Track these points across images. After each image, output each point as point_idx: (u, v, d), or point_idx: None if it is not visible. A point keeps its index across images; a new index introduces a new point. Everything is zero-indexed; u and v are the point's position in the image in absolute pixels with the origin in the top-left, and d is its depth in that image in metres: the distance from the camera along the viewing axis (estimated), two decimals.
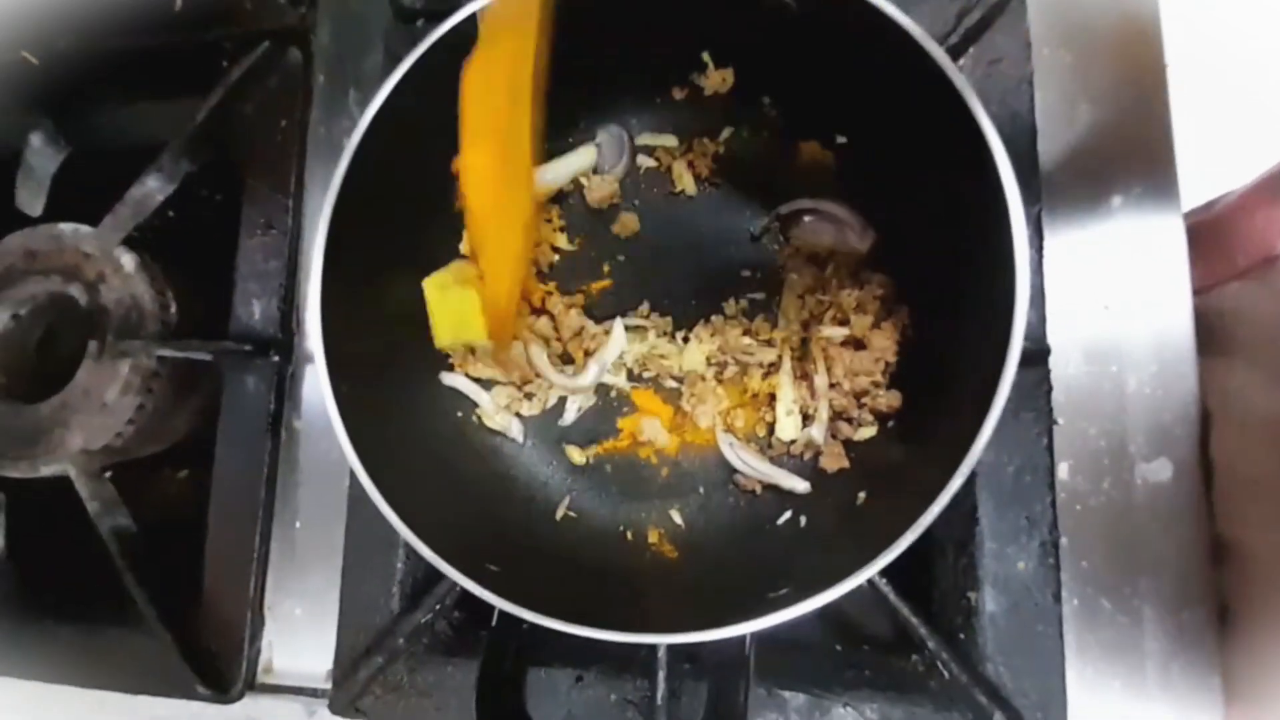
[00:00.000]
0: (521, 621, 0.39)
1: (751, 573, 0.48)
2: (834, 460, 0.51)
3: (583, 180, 0.57)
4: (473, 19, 0.43)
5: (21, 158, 0.67)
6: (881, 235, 0.53)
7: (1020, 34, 0.50)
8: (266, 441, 0.56)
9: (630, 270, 0.57)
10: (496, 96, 0.41)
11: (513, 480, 0.55)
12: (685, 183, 0.56)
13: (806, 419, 0.53)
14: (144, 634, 0.54)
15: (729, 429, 0.54)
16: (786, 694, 0.47)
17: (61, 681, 0.56)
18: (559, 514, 0.54)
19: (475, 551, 0.43)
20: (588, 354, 0.55)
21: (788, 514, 0.52)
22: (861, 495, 0.48)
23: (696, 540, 0.53)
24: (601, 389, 0.56)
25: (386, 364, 0.50)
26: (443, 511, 0.47)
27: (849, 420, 0.52)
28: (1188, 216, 0.51)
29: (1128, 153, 0.51)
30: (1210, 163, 0.64)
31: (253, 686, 0.55)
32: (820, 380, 0.52)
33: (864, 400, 0.52)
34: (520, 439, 0.56)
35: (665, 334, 0.55)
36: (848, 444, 0.52)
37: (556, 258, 0.58)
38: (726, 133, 0.56)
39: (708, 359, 0.54)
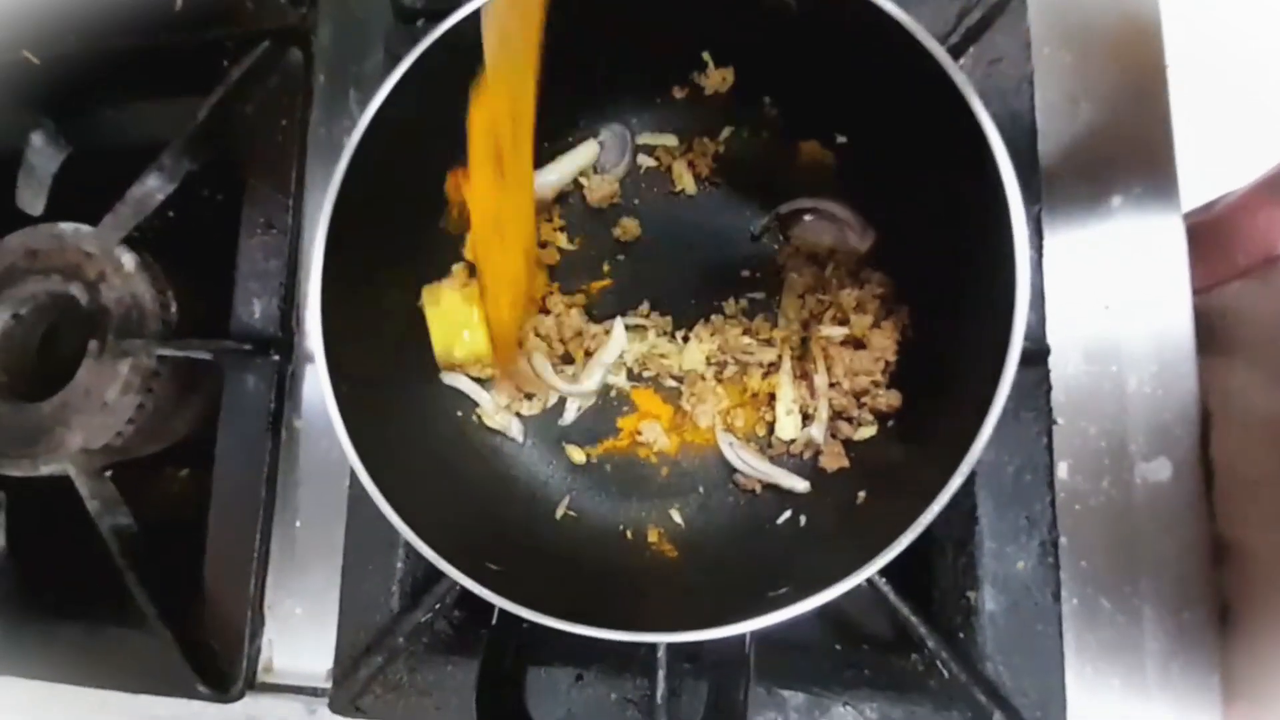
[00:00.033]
0: (521, 620, 0.39)
1: (751, 572, 0.48)
2: (834, 460, 0.51)
3: (583, 180, 0.57)
4: (474, 19, 0.43)
5: (22, 157, 0.68)
6: (881, 235, 0.53)
7: (1020, 34, 0.50)
8: (267, 441, 0.56)
9: (630, 270, 0.57)
10: (501, 131, 0.43)
11: (513, 479, 0.55)
12: (685, 182, 0.56)
13: (806, 418, 0.53)
14: (144, 633, 0.54)
15: (729, 428, 0.54)
16: (786, 693, 0.47)
17: (62, 680, 0.56)
18: (559, 513, 0.54)
19: (475, 551, 0.43)
20: (588, 354, 0.55)
21: (787, 513, 0.52)
22: (861, 495, 0.48)
23: (696, 539, 0.53)
24: (601, 388, 0.56)
25: (387, 363, 0.50)
26: (443, 511, 0.47)
27: (849, 420, 0.52)
28: (1188, 217, 0.51)
29: (1128, 152, 0.51)
30: (1210, 163, 0.64)
31: (253, 685, 0.55)
32: (820, 380, 0.52)
33: (864, 400, 0.52)
34: (520, 439, 0.56)
35: (665, 333, 0.55)
36: (847, 443, 0.52)
37: (559, 258, 0.58)
38: (727, 132, 0.56)
39: (708, 358, 0.54)
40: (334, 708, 0.52)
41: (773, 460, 0.53)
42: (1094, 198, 0.51)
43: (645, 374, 0.56)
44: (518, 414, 0.56)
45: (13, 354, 0.58)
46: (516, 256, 0.48)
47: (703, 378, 0.54)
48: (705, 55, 0.53)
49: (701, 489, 0.54)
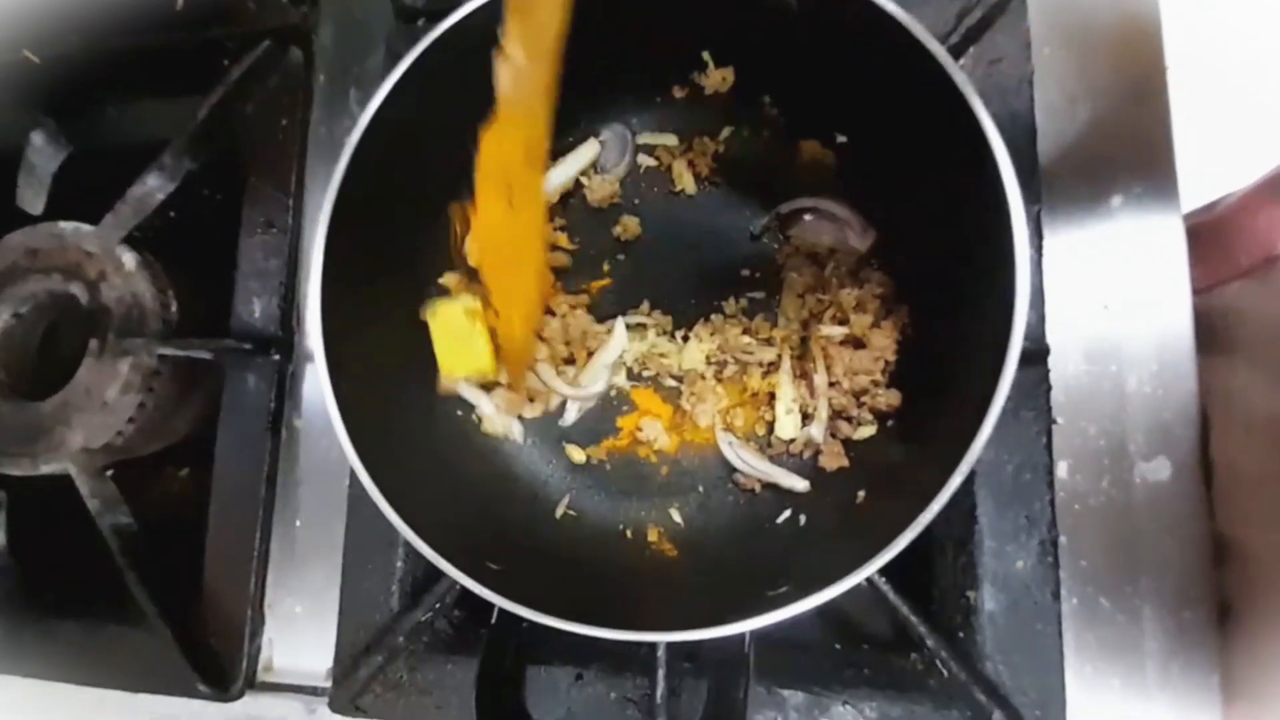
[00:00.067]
0: (521, 620, 0.39)
1: (751, 571, 0.48)
2: (833, 459, 0.51)
3: (583, 180, 0.57)
4: (474, 18, 0.43)
5: (23, 156, 0.68)
6: (881, 234, 0.53)
7: (1020, 33, 0.50)
8: (267, 440, 0.56)
9: (630, 269, 0.57)
10: (512, 163, 0.44)
11: (513, 479, 0.55)
12: (685, 182, 0.56)
13: (806, 418, 0.53)
14: (145, 632, 0.54)
15: (728, 428, 0.54)
16: (786, 692, 0.47)
17: (62, 679, 0.56)
18: (559, 512, 0.54)
19: (475, 550, 0.43)
20: (590, 354, 0.55)
21: (787, 512, 0.52)
22: (861, 494, 0.48)
23: (696, 539, 0.53)
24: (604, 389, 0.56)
25: (387, 363, 0.50)
26: (443, 510, 0.47)
27: (848, 419, 0.52)
28: (1189, 217, 0.51)
29: (1128, 152, 0.51)
30: (1210, 163, 0.64)
31: (253, 684, 0.55)
32: (820, 379, 0.52)
33: (863, 399, 0.52)
34: (521, 441, 0.56)
35: (665, 333, 0.55)
36: (847, 443, 0.52)
37: (567, 261, 0.58)
38: (727, 132, 0.56)
39: (707, 358, 0.54)
40: (334, 707, 0.52)
41: (772, 459, 0.53)
42: (1094, 197, 0.51)
43: (645, 373, 0.56)
44: (519, 417, 0.56)
45: (13, 353, 0.58)
46: (528, 279, 0.49)
47: (703, 377, 0.54)
48: (705, 55, 0.53)
49: (701, 488, 0.54)
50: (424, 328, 0.55)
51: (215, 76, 0.59)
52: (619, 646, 0.39)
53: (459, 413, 0.56)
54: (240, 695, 0.54)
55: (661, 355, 0.55)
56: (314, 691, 0.55)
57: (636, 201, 0.58)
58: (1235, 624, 0.47)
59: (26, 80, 0.65)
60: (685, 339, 0.55)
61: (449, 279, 0.56)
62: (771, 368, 0.54)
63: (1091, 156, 0.51)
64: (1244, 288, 0.52)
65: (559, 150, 0.57)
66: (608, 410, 0.56)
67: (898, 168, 0.50)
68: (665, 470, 0.55)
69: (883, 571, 0.45)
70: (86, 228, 0.58)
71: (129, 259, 0.57)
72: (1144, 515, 0.48)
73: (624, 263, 0.57)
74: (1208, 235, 0.53)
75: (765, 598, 0.39)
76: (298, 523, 0.56)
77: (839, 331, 0.51)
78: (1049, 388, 0.48)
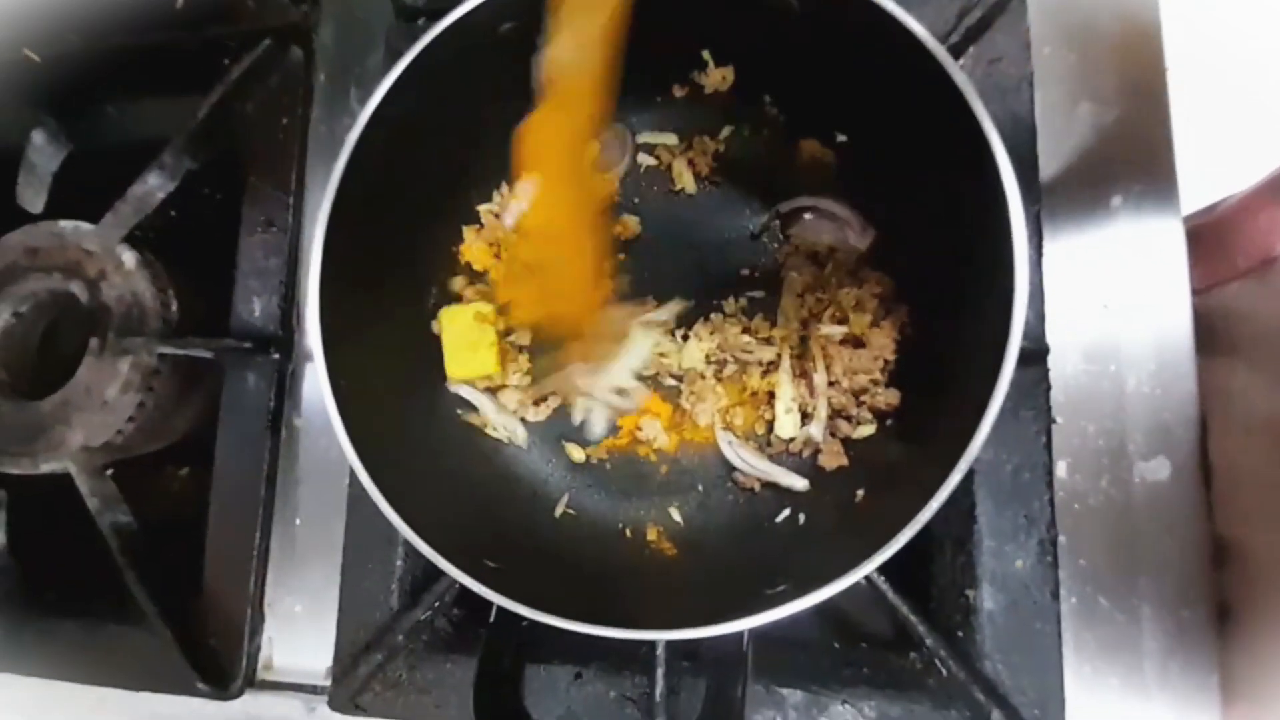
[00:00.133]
0: (520, 618, 0.39)
1: (750, 570, 0.48)
2: (833, 458, 0.51)
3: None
4: (474, 17, 0.43)
5: (23, 155, 0.68)
6: (881, 234, 0.53)
7: (1020, 33, 0.50)
8: (267, 439, 0.56)
9: (630, 269, 0.57)
10: (559, 152, 0.42)
11: (512, 478, 0.55)
12: (685, 181, 0.56)
13: (805, 417, 0.53)
14: (144, 631, 0.54)
15: (728, 427, 0.54)
16: (785, 691, 0.47)
17: (62, 678, 0.56)
18: (558, 511, 0.54)
19: (474, 549, 0.43)
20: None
21: (786, 511, 0.52)
22: (860, 493, 0.48)
23: (695, 538, 0.53)
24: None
25: (386, 361, 0.50)
26: (442, 509, 0.47)
27: (848, 418, 0.52)
28: (1189, 219, 0.51)
29: (1128, 152, 0.51)
30: (1210, 163, 0.64)
31: (253, 683, 0.55)
32: (819, 378, 0.52)
33: (863, 398, 0.52)
34: (524, 445, 0.56)
35: (666, 332, 0.55)
36: (846, 442, 0.52)
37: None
38: (727, 131, 0.56)
39: (707, 357, 0.54)
40: (333, 705, 0.52)
41: (772, 458, 0.53)
42: (1094, 197, 0.51)
43: (645, 372, 0.56)
44: (522, 420, 0.56)
45: (13, 352, 0.58)
46: (578, 268, 0.47)
47: (702, 376, 0.54)
48: (705, 54, 0.53)
49: (701, 487, 0.54)
50: (424, 327, 0.55)
51: (215, 75, 0.59)
52: (618, 645, 0.39)
53: (459, 412, 0.56)
54: (240, 694, 0.54)
55: (661, 355, 0.55)
56: (314, 690, 0.55)
57: (636, 201, 0.58)
58: (1235, 625, 0.47)
59: (27, 79, 0.65)
60: (685, 338, 0.55)
61: (458, 282, 0.56)
62: (771, 367, 0.54)
63: (1091, 156, 0.51)
64: (1244, 289, 0.52)
65: None
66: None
67: (898, 167, 0.50)
68: (665, 469, 0.55)
69: (882, 570, 0.45)
70: (87, 226, 0.57)
71: (129, 258, 0.57)
72: (1143, 515, 0.48)
73: (624, 262, 0.57)
74: (1208, 236, 0.53)
75: (764, 596, 0.39)
76: (297, 521, 0.56)
77: (838, 331, 0.51)
78: (1048, 387, 0.48)
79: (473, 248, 0.56)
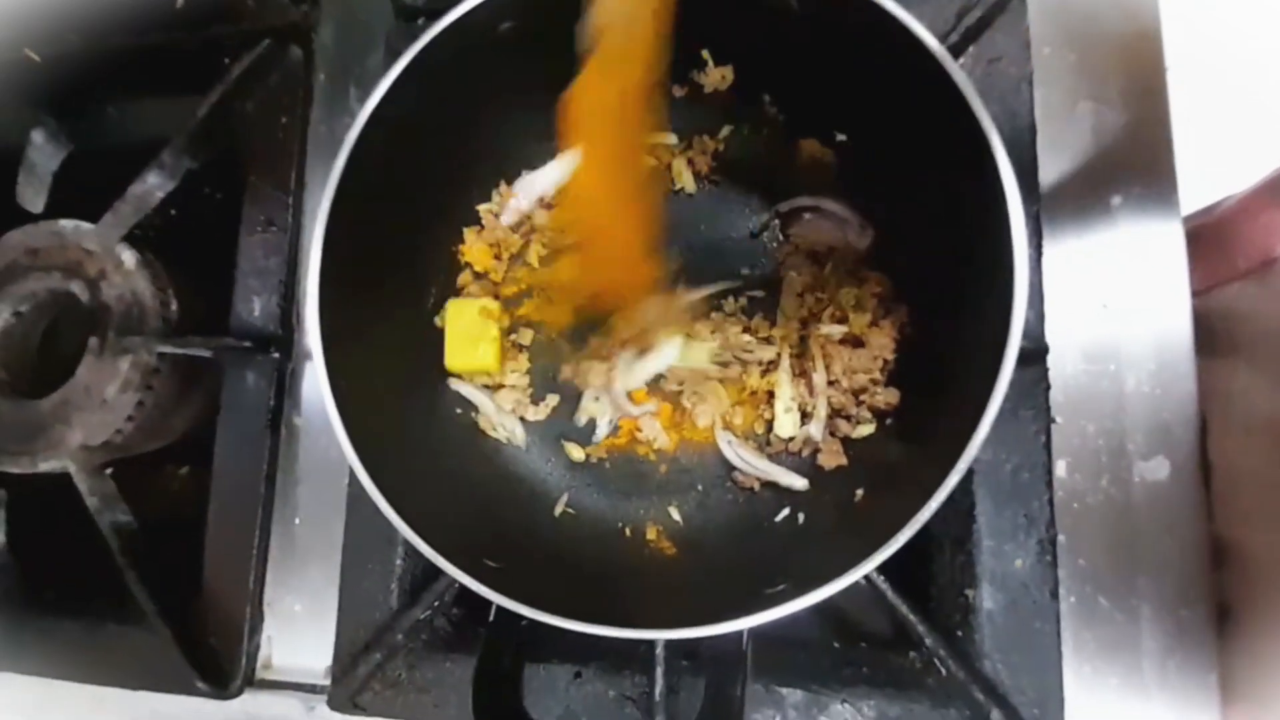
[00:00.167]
0: (520, 618, 0.39)
1: (749, 569, 0.48)
2: (832, 457, 0.51)
3: None
4: (473, 14, 0.43)
5: (23, 154, 0.68)
6: (881, 233, 0.53)
7: (1020, 33, 0.50)
8: (266, 438, 0.56)
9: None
10: (608, 116, 0.40)
11: (512, 477, 0.55)
12: (685, 180, 0.56)
13: (805, 416, 0.53)
14: (144, 630, 0.54)
15: (728, 426, 0.54)
16: (784, 690, 0.47)
17: (62, 677, 0.56)
18: (558, 511, 0.54)
19: (474, 548, 0.43)
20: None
21: (786, 511, 0.52)
22: (859, 492, 0.48)
23: (695, 537, 0.53)
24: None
25: (386, 361, 0.50)
26: (441, 508, 0.47)
27: (847, 418, 0.52)
28: (1189, 220, 0.51)
29: (1127, 152, 0.51)
30: (1210, 163, 0.64)
31: (252, 682, 0.55)
32: (819, 378, 0.52)
33: (862, 398, 0.52)
34: (524, 445, 0.56)
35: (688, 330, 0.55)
36: (846, 441, 0.52)
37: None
38: (726, 130, 0.56)
39: (710, 356, 0.54)
40: (333, 705, 0.52)
41: (771, 458, 0.53)
42: (1093, 197, 0.51)
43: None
44: (521, 419, 0.56)
45: (13, 351, 0.58)
46: (628, 238, 0.45)
47: (706, 377, 0.54)
48: (705, 53, 0.53)
49: (700, 487, 0.54)
50: (424, 326, 0.55)
51: (215, 75, 0.59)
52: (618, 644, 0.39)
53: (458, 410, 0.56)
54: (239, 693, 0.54)
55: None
56: (313, 689, 0.55)
57: None
58: (1234, 625, 0.47)
59: (27, 79, 0.65)
60: (688, 337, 0.55)
61: (464, 278, 0.56)
62: (770, 366, 0.54)
63: (1091, 156, 0.51)
64: (1244, 290, 0.52)
65: (556, 150, 0.57)
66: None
67: (897, 167, 0.50)
68: (664, 468, 0.55)
69: (881, 570, 0.45)
70: (86, 226, 0.57)
71: (129, 257, 0.57)
72: (1143, 514, 0.48)
73: None
74: (1207, 237, 0.53)
75: (763, 595, 0.39)
76: (297, 521, 0.56)
77: (838, 330, 0.52)
78: (1048, 387, 0.48)
79: (473, 248, 0.56)
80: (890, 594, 0.47)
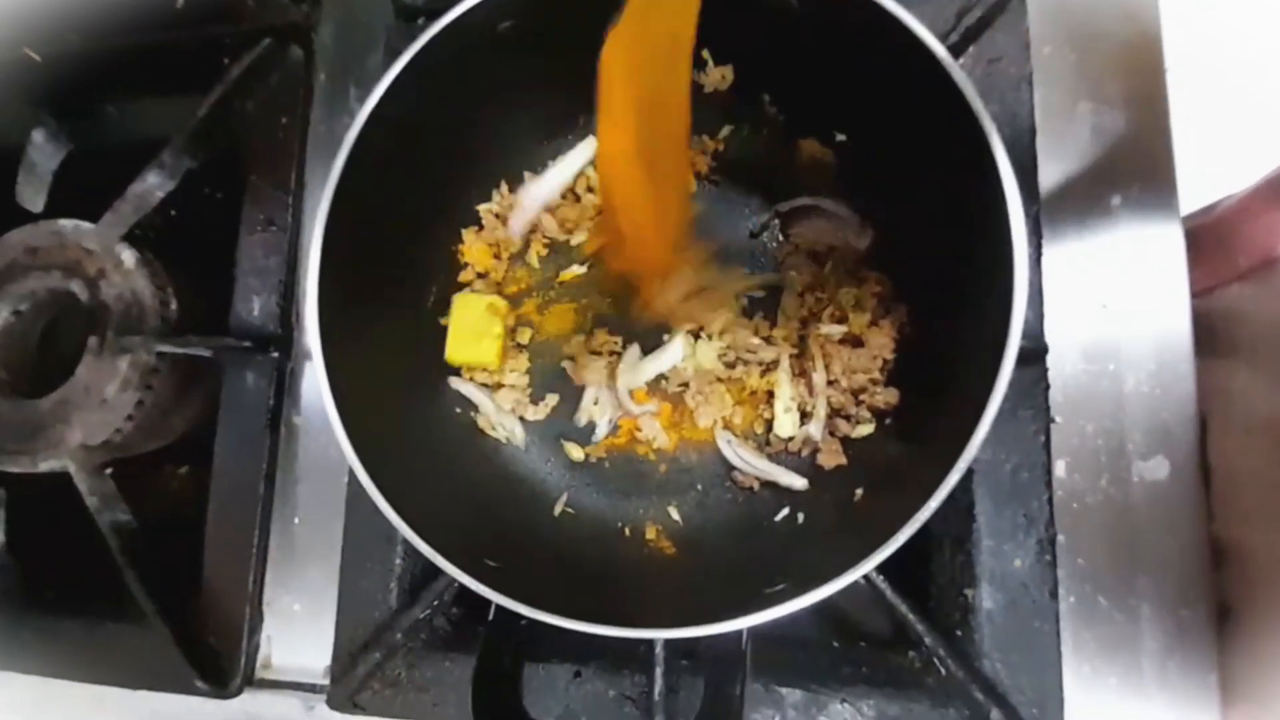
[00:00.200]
0: (519, 617, 0.39)
1: (749, 569, 0.48)
2: (832, 457, 0.51)
3: (587, 175, 0.57)
4: (472, 13, 0.43)
5: (23, 154, 0.68)
6: (880, 233, 0.53)
7: (1020, 33, 0.50)
8: (266, 438, 0.56)
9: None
10: (649, 64, 0.37)
11: (511, 477, 0.55)
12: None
13: (804, 416, 0.53)
14: (143, 629, 0.54)
15: (727, 426, 0.54)
16: (783, 690, 0.47)
17: (61, 676, 0.56)
18: (557, 510, 0.54)
19: (473, 547, 0.43)
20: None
21: (785, 511, 0.52)
22: (859, 492, 0.48)
23: (694, 537, 0.53)
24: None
25: (386, 360, 0.50)
26: (441, 508, 0.47)
27: (847, 417, 0.52)
28: (1188, 220, 0.51)
29: (1127, 152, 0.51)
30: (1210, 163, 0.64)
31: (251, 681, 0.55)
32: (818, 377, 0.52)
33: (862, 398, 0.52)
34: (523, 445, 0.56)
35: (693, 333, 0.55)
36: (845, 441, 0.52)
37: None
38: (726, 130, 0.56)
39: (719, 357, 0.54)
40: (332, 704, 0.52)
41: (771, 458, 0.53)
42: (1093, 197, 0.51)
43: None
44: (521, 419, 0.56)
45: (12, 350, 0.58)
46: (668, 201, 0.42)
47: (715, 378, 0.54)
48: (704, 53, 0.53)
49: (700, 486, 0.54)
50: (424, 326, 0.55)
51: (215, 75, 0.59)
52: (617, 644, 0.39)
53: (458, 409, 0.56)
54: (239, 692, 0.54)
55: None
56: (312, 689, 0.55)
57: None
58: (1235, 626, 0.47)
59: (27, 78, 0.65)
60: (695, 337, 0.55)
61: (466, 276, 0.56)
62: (770, 366, 0.54)
63: (1091, 156, 0.51)
64: (1244, 290, 0.52)
65: (559, 149, 0.57)
66: None
67: (897, 167, 0.50)
68: (664, 468, 0.55)
69: (880, 569, 0.45)
70: (86, 225, 0.57)
71: (128, 257, 0.57)
72: (1142, 514, 0.48)
73: None
74: (1207, 237, 0.53)
75: (763, 595, 0.39)
76: (296, 520, 0.56)
77: (837, 330, 0.52)
78: (1047, 386, 0.48)
79: (473, 248, 0.56)
80: (889, 593, 0.47)
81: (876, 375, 0.51)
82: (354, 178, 0.43)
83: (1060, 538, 0.47)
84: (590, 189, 0.57)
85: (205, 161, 0.61)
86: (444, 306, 0.55)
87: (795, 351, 0.53)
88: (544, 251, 0.58)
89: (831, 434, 0.52)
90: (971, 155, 0.38)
